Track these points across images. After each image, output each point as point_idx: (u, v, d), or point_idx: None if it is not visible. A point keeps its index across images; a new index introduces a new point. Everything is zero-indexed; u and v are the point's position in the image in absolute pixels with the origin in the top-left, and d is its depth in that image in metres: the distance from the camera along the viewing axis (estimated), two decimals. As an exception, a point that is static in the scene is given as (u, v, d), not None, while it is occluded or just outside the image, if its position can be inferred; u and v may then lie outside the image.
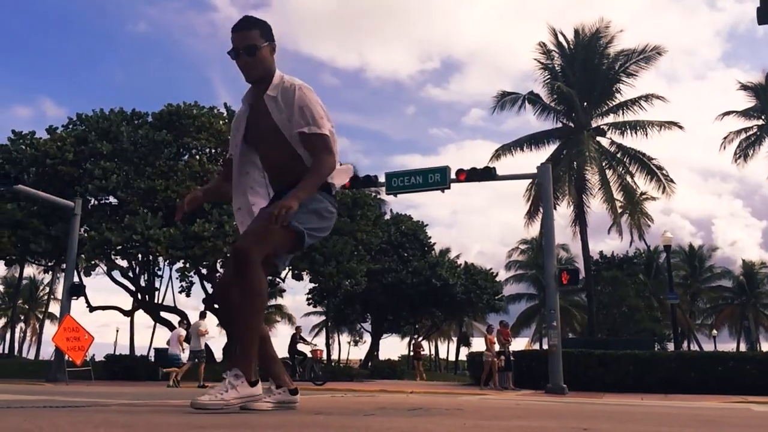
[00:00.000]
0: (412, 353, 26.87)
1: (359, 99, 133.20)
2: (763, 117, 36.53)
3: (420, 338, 33.62)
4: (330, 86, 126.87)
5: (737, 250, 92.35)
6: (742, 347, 51.07)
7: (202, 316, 15.72)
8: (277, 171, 2.95)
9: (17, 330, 57.86)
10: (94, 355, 29.52)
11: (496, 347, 15.34)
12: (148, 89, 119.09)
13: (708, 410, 4.55)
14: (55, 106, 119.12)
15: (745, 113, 37.14)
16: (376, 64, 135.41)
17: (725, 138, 37.55)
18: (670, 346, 36.87)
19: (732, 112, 37.37)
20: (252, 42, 2.82)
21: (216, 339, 60.82)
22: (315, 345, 18.74)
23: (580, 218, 28.96)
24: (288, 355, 17.45)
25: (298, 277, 25.47)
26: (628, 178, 28.97)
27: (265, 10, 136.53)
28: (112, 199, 22.54)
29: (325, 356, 27.72)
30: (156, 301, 25.53)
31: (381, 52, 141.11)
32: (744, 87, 37.46)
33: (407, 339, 52.63)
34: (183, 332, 16.17)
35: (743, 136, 37.15)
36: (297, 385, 2.97)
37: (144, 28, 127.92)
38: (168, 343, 16.54)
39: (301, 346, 17.73)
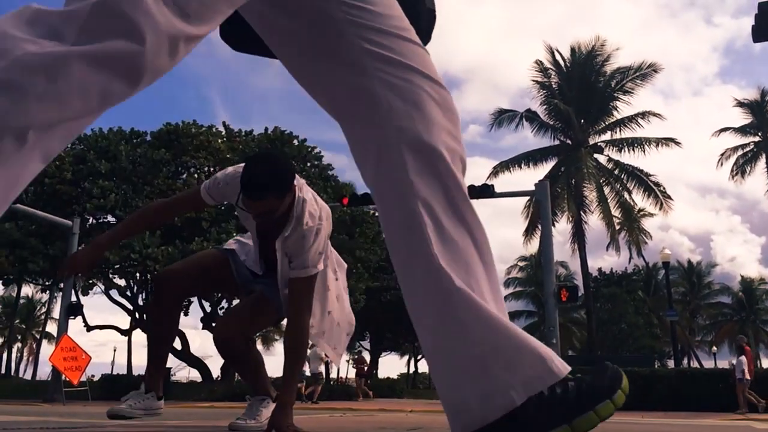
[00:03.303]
0: (354, 369, 24.25)
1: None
2: (759, 134, 36.73)
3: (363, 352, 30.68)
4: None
5: (736, 266, 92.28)
6: (743, 364, 50.84)
7: None
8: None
9: (14, 350, 57.57)
10: (93, 376, 29.35)
11: None
12: (147, 108, 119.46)
13: (709, 428, 4.52)
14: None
15: (742, 130, 37.35)
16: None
17: (722, 154, 37.76)
18: (671, 363, 36.72)
19: (728, 128, 37.60)
20: (268, 209, 2.47)
21: (213, 359, 60.39)
22: None
23: (578, 235, 29.01)
24: None
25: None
26: (626, 195, 29.09)
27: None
28: (110, 218, 22.53)
29: (324, 375, 27.22)
30: (154, 320, 25.39)
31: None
32: (740, 104, 37.72)
33: (407, 357, 52.39)
34: None
35: (740, 152, 37.35)
36: None
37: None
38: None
39: None
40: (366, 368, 26.82)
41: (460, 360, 1.09)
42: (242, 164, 2.62)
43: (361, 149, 1.21)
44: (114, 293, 23.95)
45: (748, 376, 13.52)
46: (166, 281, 2.77)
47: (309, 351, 14.72)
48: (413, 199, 1.12)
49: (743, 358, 13.73)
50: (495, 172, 29.40)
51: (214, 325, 3.24)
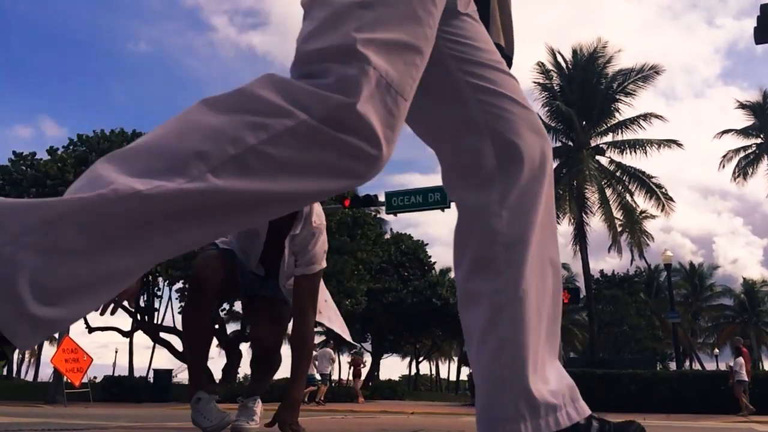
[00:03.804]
0: (350, 369, 23.72)
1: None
2: (761, 136, 36.69)
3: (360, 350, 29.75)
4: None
5: (738, 268, 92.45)
6: (745, 366, 50.70)
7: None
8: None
9: (16, 351, 57.47)
10: (94, 377, 29.36)
11: None
12: (149, 109, 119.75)
13: (711, 430, 4.51)
14: (56, 125, 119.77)
15: (744, 132, 37.31)
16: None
17: (724, 156, 37.72)
18: (672, 365, 36.68)
19: (730, 130, 37.56)
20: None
21: (214, 360, 60.35)
22: None
23: (580, 237, 28.99)
24: None
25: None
26: (628, 197, 29.06)
27: (264, 29, 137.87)
28: (111, 220, 22.52)
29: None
30: (155, 321, 25.42)
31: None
32: (742, 106, 37.68)
33: (408, 359, 52.35)
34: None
35: (742, 154, 37.31)
36: None
37: (144, 48, 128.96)
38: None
39: None
40: (361, 367, 26.56)
41: (490, 374, 1.17)
42: None
43: (454, 175, 1.28)
44: (116, 295, 23.95)
45: (745, 378, 13.49)
46: (207, 280, 2.69)
47: (317, 352, 14.86)
48: (498, 234, 1.19)
49: (740, 359, 13.72)
50: (496, 174, 29.35)
51: (253, 329, 3.35)
